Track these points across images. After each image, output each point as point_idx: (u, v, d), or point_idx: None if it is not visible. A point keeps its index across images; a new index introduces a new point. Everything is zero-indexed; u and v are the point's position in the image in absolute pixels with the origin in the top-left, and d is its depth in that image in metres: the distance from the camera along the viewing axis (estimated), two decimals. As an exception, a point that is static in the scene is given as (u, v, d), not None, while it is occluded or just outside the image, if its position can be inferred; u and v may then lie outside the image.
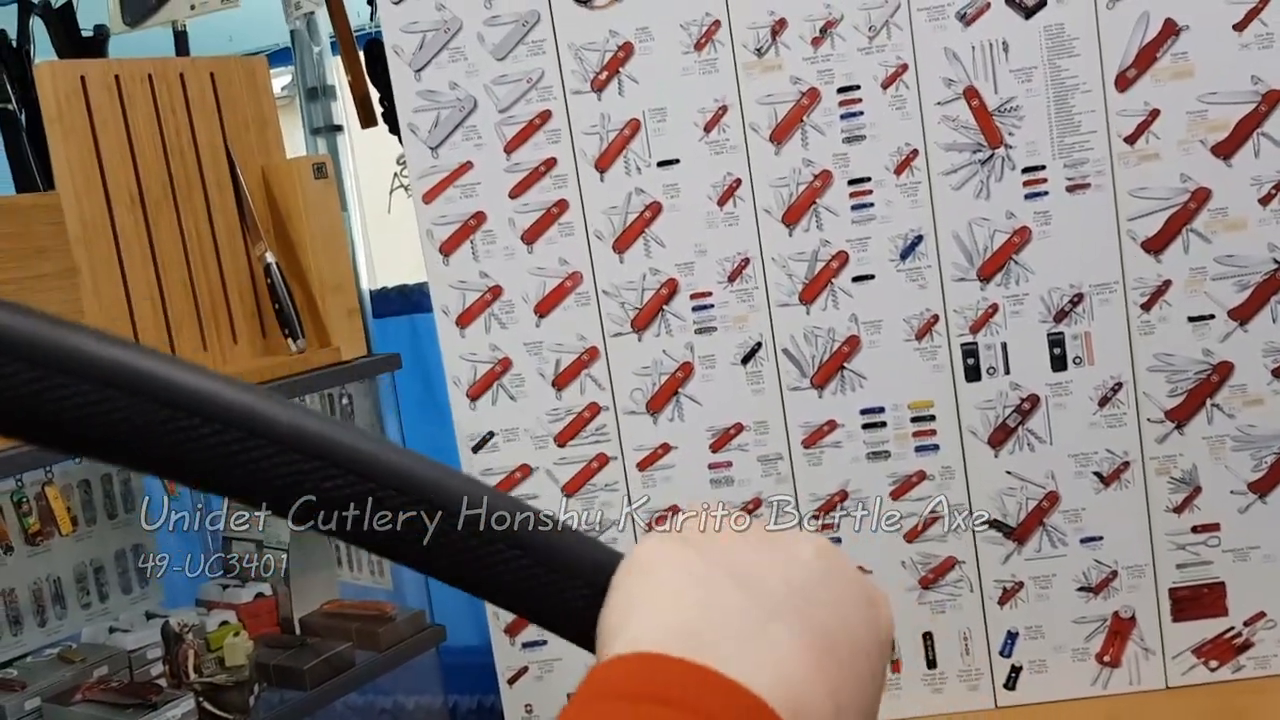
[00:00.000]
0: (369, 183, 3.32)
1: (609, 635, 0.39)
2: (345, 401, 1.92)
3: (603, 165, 1.76)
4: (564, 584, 0.42)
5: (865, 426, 1.76)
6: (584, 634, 0.42)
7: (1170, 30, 1.63)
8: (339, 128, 2.19)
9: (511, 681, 1.88)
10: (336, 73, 2.18)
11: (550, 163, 1.77)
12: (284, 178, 1.84)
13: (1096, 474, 1.73)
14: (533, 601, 0.43)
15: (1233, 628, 1.74)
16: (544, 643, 1.86)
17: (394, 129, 1.85)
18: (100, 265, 1.66)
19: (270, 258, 1.80)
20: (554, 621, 0.43)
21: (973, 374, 1.73)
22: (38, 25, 2.23)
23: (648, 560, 0.41)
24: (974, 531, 1.76)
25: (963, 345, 1.73)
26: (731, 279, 1.76)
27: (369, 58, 1.94)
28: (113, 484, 1.90)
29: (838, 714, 0.39)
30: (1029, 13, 1.66)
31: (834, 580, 0.43)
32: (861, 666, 0.41)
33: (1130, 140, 1.66)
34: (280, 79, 2.73)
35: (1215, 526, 1.72)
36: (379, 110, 1.96)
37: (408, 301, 2.40)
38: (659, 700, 0.35)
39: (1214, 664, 1.75)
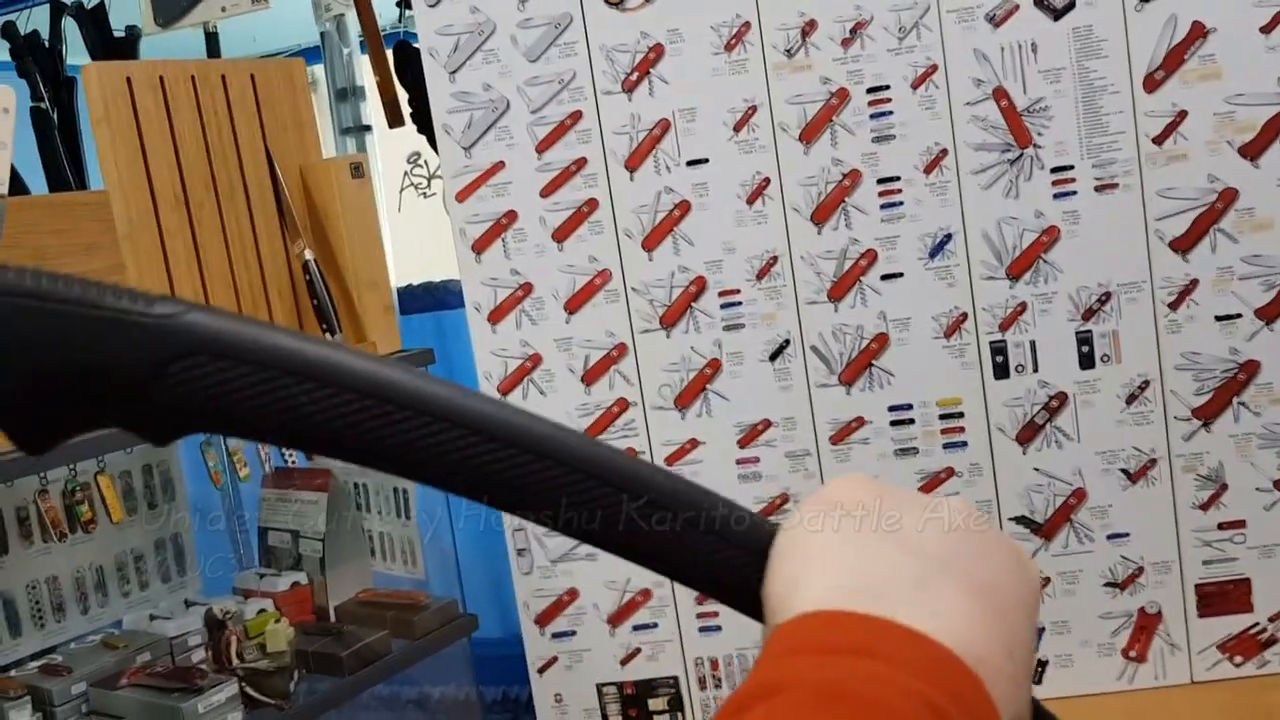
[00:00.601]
0: (383, 180, 3.36)
1: (782, 600, 0.42)
2: (380, 396, 1.95)
3: (633, 164, 1.79)
4: (736, 559, 0.45)
5: (893, 423, 1.78)
6: (752, 601, 0.45)
7: (1198, 32, 1.64)
8: (368, 128, 2.23)
9: (541, 671, 1.91)
10: (366, 74, 2.21)
11: (581, 162, 1.80)
12: (321, 177, 1.87)
13: (1123, 471, 1.74)
14: (718, 575, 0.46)
15: (1258, 623, 1.75)
16: (573, 633, 1.89)
17: (422, 129, 1.88)
18: (146, 261, 1.70)
19: (308, 255, 1.84)
20: (729, 594, 0.46)
21: (1001, 371, 1.75)
22: (70, 26, 2.27)
23: (811, 527, 0.44)
24: (1002, 527, 1.78)
25: (991, 343, 1.75)
26: (760, 276, 1.78)
27: (397, 58, 1.97)
28: (153, 475, 1.95)
29: (1009, 658, 0.41)
30: (1058, 14, 1.67)
31: (985, 540, 0.45)
32: (1019, 617, 0.44)
33: (1158, 141, 1.67)
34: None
35: (1241, 523, 1.73)
36: (406, 111, 1.99)
37: (433, 299, 2.44)
38: (852, 651, 0.37)
39: (1239, 659, 1.76)
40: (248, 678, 1.62)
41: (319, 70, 2.34)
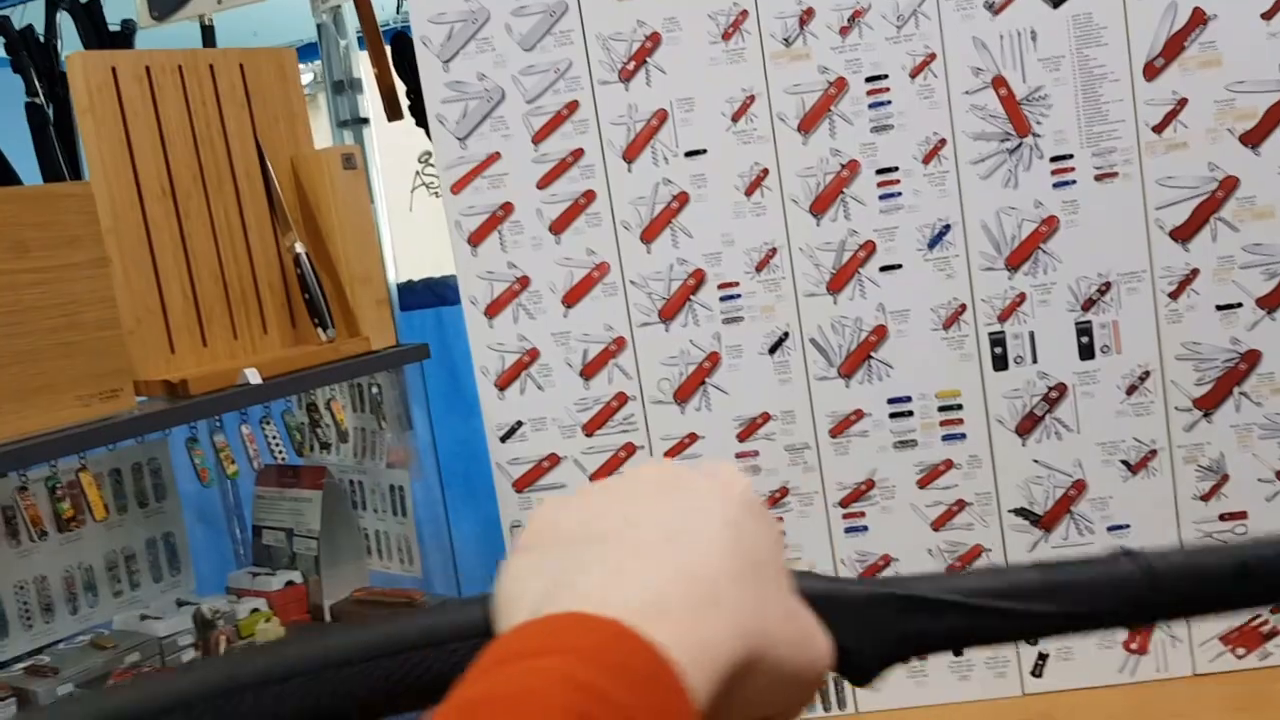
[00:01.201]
0: (393, 179, 3.34)
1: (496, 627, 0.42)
2: (375, 391, 1.93)
3: (630, 156, 1.77)
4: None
5: (892, 416, 1.77)
6: None
7: (1199, 19, 1.63)
8: (365, 120, 2.20)
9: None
10: (364, 66, 2.19)
11: (578, 153, 1.78)
12: (313, 168, 1.85)
13: (1124, 462, 1.73)
14: None
15: (1259, 615, 1.74)
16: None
17: (420, 121, 1.86)
18: (131, 255, 1.67)
19: (300, 248, 1.81)
20: None
21: (1000, 363, 1.74)
22: (65, 20, 2.25)
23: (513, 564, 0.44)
24: (1001, 519, 1.77)
25: (990, 334, 1.73)
26: (759, 269, 1.77)
27: (395, 51, 1.95)
28: (144, 473, 1.92)
29: (713, 588, 0.40)
30: (1057, 2, 1.66)
31: (661, 482, 0.45)
32: (711, 544, 0.42)
33: (1158, 129, 1.66)
34: (304, 74, 2.74)
35: (1243, 514, 1.72)
36: (405, 103, 1.97)
37: (433, 294, 2.42)
38: (515, 656, 0.36)
39: (1241, 651, 1.75)
40: (242, 676, 1.59)
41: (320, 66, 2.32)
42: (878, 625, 0.50)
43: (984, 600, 0.51)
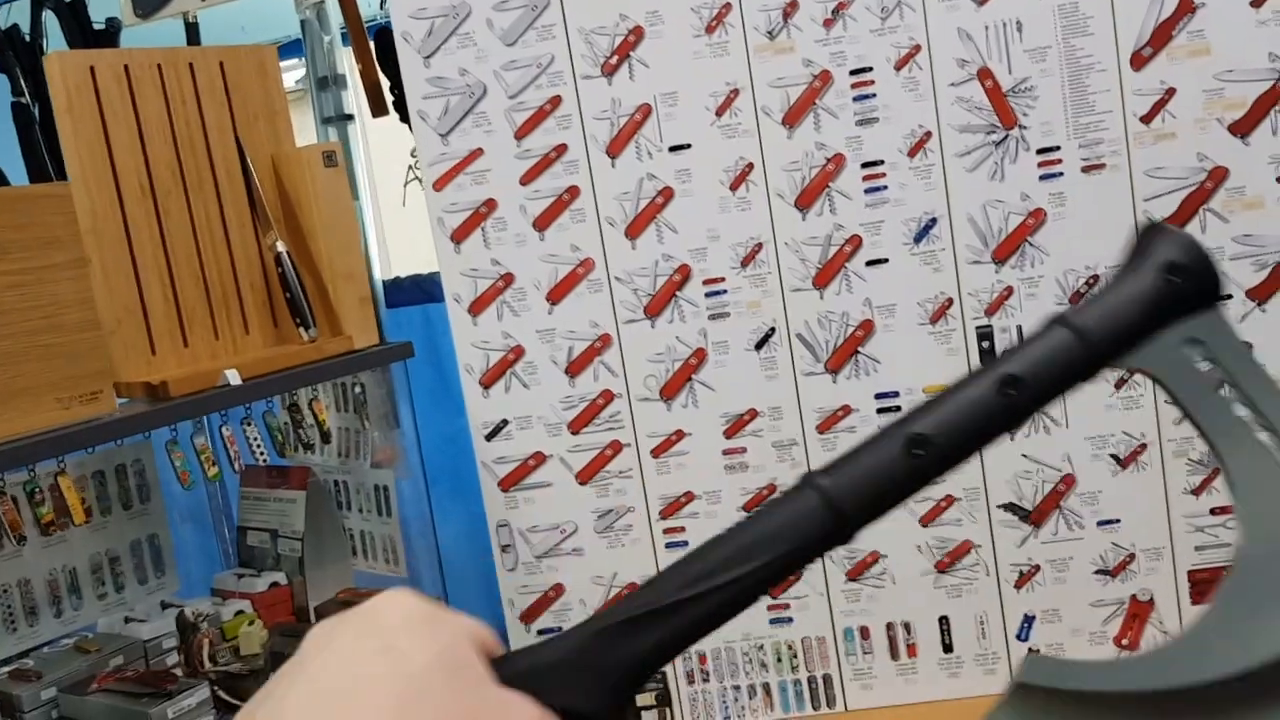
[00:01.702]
0: (386, 174, 3.32)
1: None
2: (358, 390, 1.91)
3: (614, 151, 1.75)
4: None
5: (880, 411, 1.75)
6: None
7: (1187, 8, 1.61)
8: (350, 117, 2.19)
9: (527, 669, 1.88)
10: (348, 62, 2.18)
11: (561, 149, 1.76)
12: (294, 166, 1.83)
13: (1113, 456, 1.72)
14: None
15: (1252, 610, 1.72)
16: (559, 630, 1.85)
17: (405, 117, 1.84)
18: (111, 255, 1.66)
19: (281, 247, 1.80)
20: None
21: (988, 357, 1.72)
22: (50, 19, 2.23)
23: None
24: (990, 515, 1.75)
25: (977, 328, 1.72)
26: (744, 264, 1.75)
27: (379, 46, 1.94)
28: (127, 475, 1.90)
29: None
30: (1043, -9, 1.64)
31: (340, 633, 0.47)
32: (368, 694, 0.44)
33: (1146, 120, 1.64)
34: (294, 72, 2.72)
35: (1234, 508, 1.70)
36: (390, 99, 1.96)
37: (421, 291, 2.40)
38: None
39: (1234, 647, 1.73)
40: (220, 681, 1.58)
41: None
42: (597, 670, 0.51)
43: (689, 591, 0.52)
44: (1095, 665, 0.53)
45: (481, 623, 0.50)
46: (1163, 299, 0.59)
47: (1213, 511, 1.71)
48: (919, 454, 0.55)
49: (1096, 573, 1.75)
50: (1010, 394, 0.56)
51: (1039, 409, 0.58)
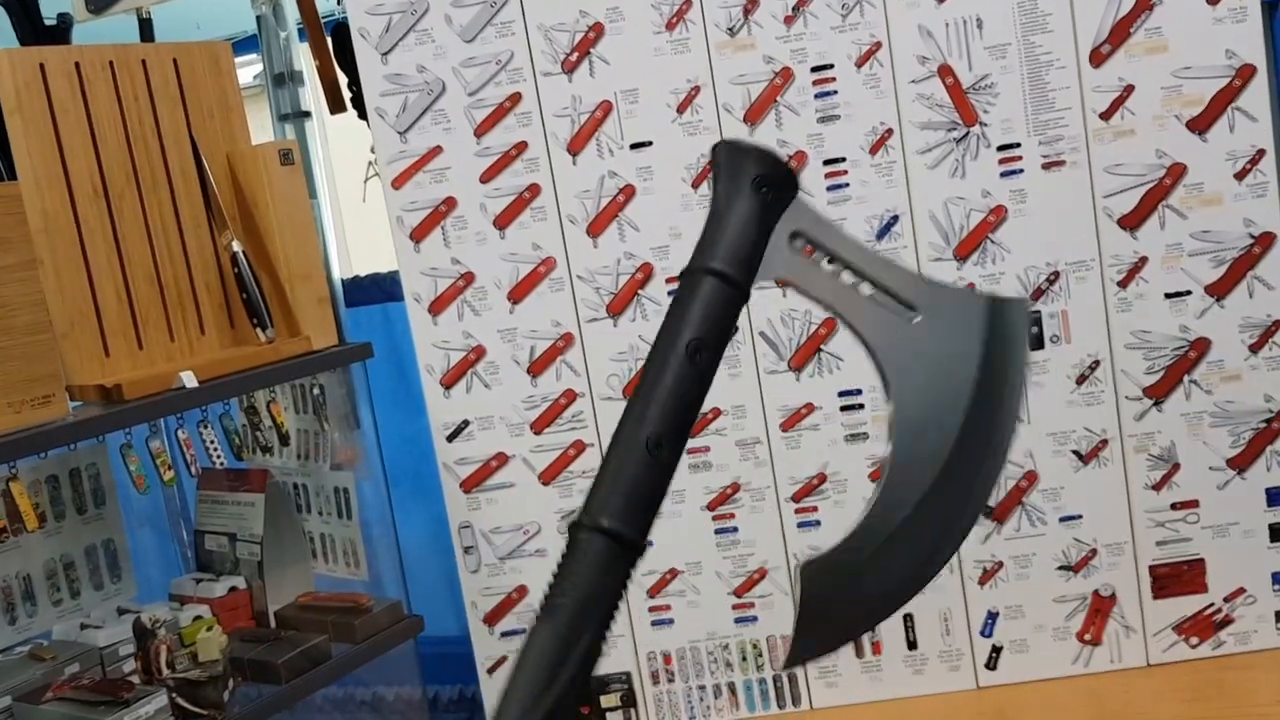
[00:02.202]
0: (346, 171, 3.28)
1: None
2: (317, 391, 1.89)
3: (575, 148, 1.74)
4: None
5: (843, 409, 1.75)
6: None
7: (1144, 5, 1.62)
8: (306, 114, 2.16)
9: (491, 671, 1.86)
10: (304, 58, 2.15)
11: (521, 146, 1.75)
12: (250, 165, 1.80)
13: (1075, 452, 1.72)
14: None
15: (1213, 604, 1.74)
16: (523, 631, 1.84)
17: (363, 114, 1.82)
18: (63, 257, 1.63)
19: (237, 246, 1.77)
20: None
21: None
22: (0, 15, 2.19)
23: None
24: (953, 512, 1.75)
25: (940, 325, 1.71)
26: (706, 262, 1.74)
27: (336, 42, 1.91)
28: (81, 479, 1.87)
29: None
30: (1002, -12, 1.64)
31: None
32: None
33: (1105, 116, 1.65)
34: (250, 68, 2.69)
35: (1194, 503, 1.72)
36: (347, 95, 1.93)
37: (381, 290, 2.38)
38: None
39: (1195, 640, 1.75)
40: (179, 688, 1.55)
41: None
42: None
43: (545, 708, 0.55)
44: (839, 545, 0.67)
45: None
46: (765, 211, 0.67)
47: (1173, 506, 1.72)
48: (660, 449, 0.61)
49: (1059, 568, 1.75)
50: (700, 358, 0.64)
51: (722, 357, 0.66)
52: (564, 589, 0.57)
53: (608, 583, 0.57)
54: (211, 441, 1.72)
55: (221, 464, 1.78)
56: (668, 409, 0.60)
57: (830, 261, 0.69)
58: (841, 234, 0.70)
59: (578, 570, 0.57)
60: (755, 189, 0.67)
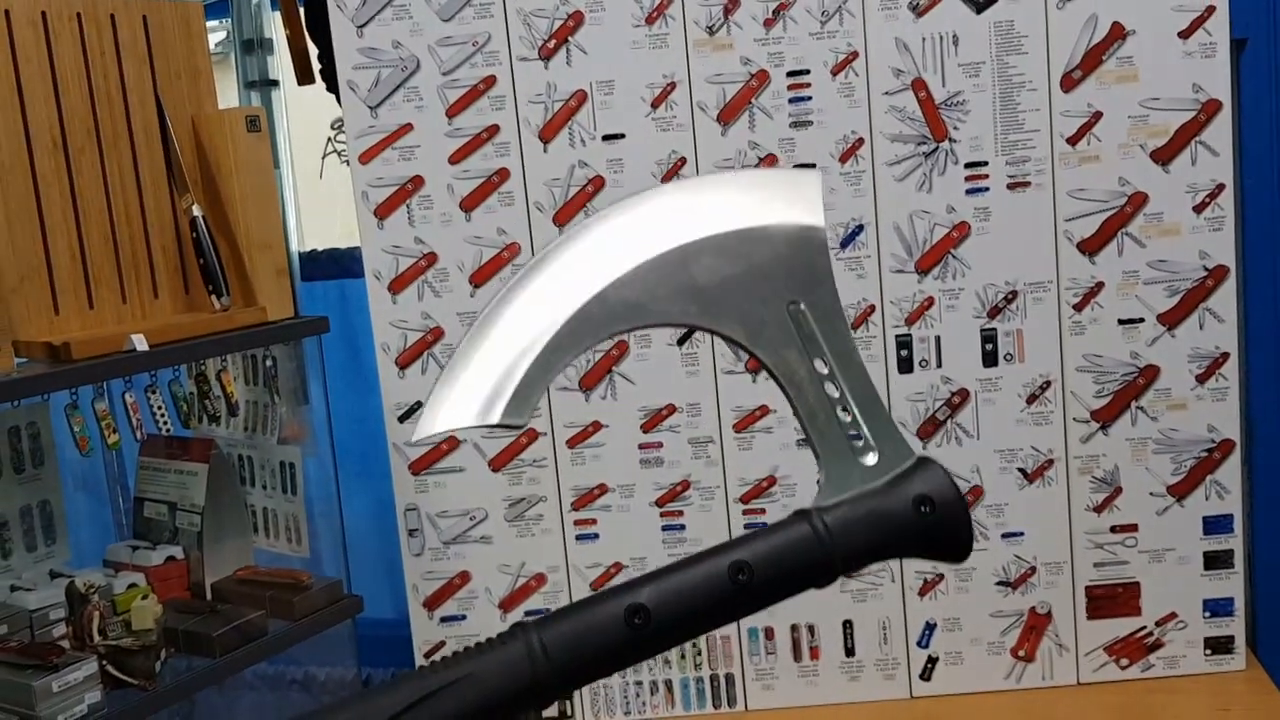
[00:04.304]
0: (302, 145, 3.24)
1: None
2: (269, 364, 1.86)
3: (547, 135, 1.73)
4: None
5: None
6: None
7: (1118, 33, 1.64)
8: (274, 83, 2.13)
9: (428, 655, 1.85)
10: (275, 26, 2.12)
11: (493, 130, 1.74)
12: (215, 129, 1.78)
13: (1021, 470, 1.75)
14: None
15: (1145, 627, 1.77)
16: (463, 618, 1.83)
17: (331, 86, 1.80)
18: (17, 209, 1.59)
19: (197, 211, 1.74)
20: None
21: (905, 366, 1.74)
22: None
23: None
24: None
25: (897, 336, 1.73)
26: (671, 258, 1.74)
27: (309, 12, 1.88)
28: (21, 437, 1.83)
29: None
30: (980, 7, 1.66)
31: None
32: None
33: (1072, 141, 1.67)
34: (216, 34, 2.65)
35: (1133, 527, 1.75)
36: (316, 67, 1.91)
37: (337, 266, 2.35)
38: None
39: (1125, 662, 1.78)
40: (110, 656, 1.52)
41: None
42: None
43: None
44: None
45: None
46: (909, 525, 0.58)
47: (1113, 529, 1.75)
48: (638, 623, 0.54)
49: (998, 584, 1.77)
50: (741, 579, 0.56)
51: (774, 597, 0.58)
52: (465, 654, 0.54)
53: (498, 679, 0.53)
54: (159, 407, 1.69)
55: (168, 431, 1.75)
56: (671, 596, 0.55)
57: (812, 353, 0.61)
58: (847, 332, 0.62)
59: (487, 652, 0.54)
60: (915, 502, 0.59)
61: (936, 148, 1.69)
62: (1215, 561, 1.75)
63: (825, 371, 0.61)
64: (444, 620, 1.84)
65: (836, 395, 0.61)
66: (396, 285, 1.77)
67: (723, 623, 0.57)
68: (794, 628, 1.81)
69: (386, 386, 1.79)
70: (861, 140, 1.70)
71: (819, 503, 0.59)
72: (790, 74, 1.69)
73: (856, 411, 0.60)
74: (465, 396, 0.60)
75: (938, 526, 0.59)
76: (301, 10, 1.91)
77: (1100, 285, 1.70)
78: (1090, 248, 1.69)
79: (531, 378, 0.59)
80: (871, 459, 0.61)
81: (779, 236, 0.62)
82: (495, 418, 0.58)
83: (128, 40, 1.72)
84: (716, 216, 0.62)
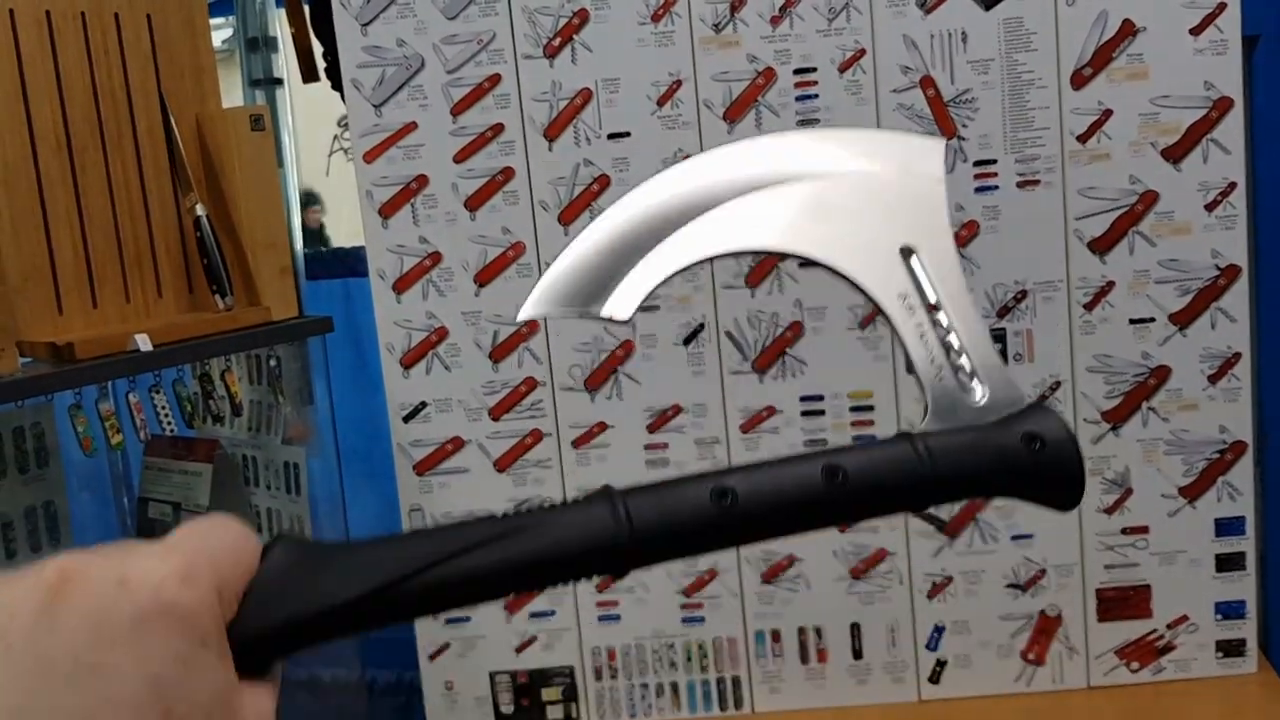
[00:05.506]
0: (307, 143, 3.24)
1: None
2: (274, 363, 1.85)
3: (551, 134, 1.72)
4: None
5: (804, 414, 1.74)
6: None
7: (1128, 30, 1.63)
8: (279, 81, 2.12)
9: (433, 657, 1.84)
10: (280, 24, 2.11)
11: (498, 128, 1.72)
12: (219, 128, 1.77)
13: (1031, 472, 1.73)
14: None
15: (1155, 630, 1.75)
16: (467, 619, 1.82)
17: (336, 84, 1.79)
18: (21, 209, 1.58)
19: (201, 210, 1.73)
20: None
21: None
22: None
23: None
24: (907, 524, 1.76)
25: (906, 336, 1.71)
26: (677, 258, 1.73)
27: (313, 10, 1.88)
28: (25, 437, 1.83)
29: None
30: (989, 4, 1.64)
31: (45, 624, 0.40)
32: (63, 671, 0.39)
33: (1083, 139, 1.66)
34: (220, 32, 2.64)
35: (1144, 529, 1.73)
36: (321, 65, 1.90)
37: (343, 264, 2.34)
38: None
39: (1136, 665, 1.76)
40: (112, 656, 1.52)
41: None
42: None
43: (435, 558, 0.51)
44: None
45: (220, 537, 0.45)
46: (1015, 459, 0.57)
47: (1124, 531, 1.73)
48: (725, 503, 0.53)
49: (1008, 586, 1.76)
50: (835, 481, 0.54)
51: (865, 512, 0.56)
52: (548, 508, 0.53)
53: (578, 531, 0.52)
54: (163, 407, 1.68)
55: (172, 431, 1.74)
56: (759, 484, 0.53)
57: (924, 299, 0.60)
58: (961, 279, 0.61)
59: (569, 508, 0.53)
60: (1025, 438, 0.57)
61: (945, 145, 1.67)
62: (1227, 564, 1.73)
63: (937, 307, 0.60)
64: (448, 622, 1.83)
65: (947, 330, 0.60)
66: (401, 284, 1.76)
67: (809, 526, 0.55)
68: (801, 630, 1.79)
69: (391, 386, 1.79)
70: (869, 138, 1.68)
71: (922, 429, 0.58)
72: (797, 71, 1.68)
73: (969, 350, 0.59)
74: (573, 285, 0.60)
75: (1047, 465, 0.56)
76: (306, 8, 1.91)
77: (1111, 284, 1.68)
78: (1101, 246, 1.68)
79: (640, 276, 0.60)
80: (982, 397, 0.59)
81: (905, 187, 0.62)
82: (600, 310, 0.59)
83: (132, 39, 1.72)
84: (845, 158, 0.63)
